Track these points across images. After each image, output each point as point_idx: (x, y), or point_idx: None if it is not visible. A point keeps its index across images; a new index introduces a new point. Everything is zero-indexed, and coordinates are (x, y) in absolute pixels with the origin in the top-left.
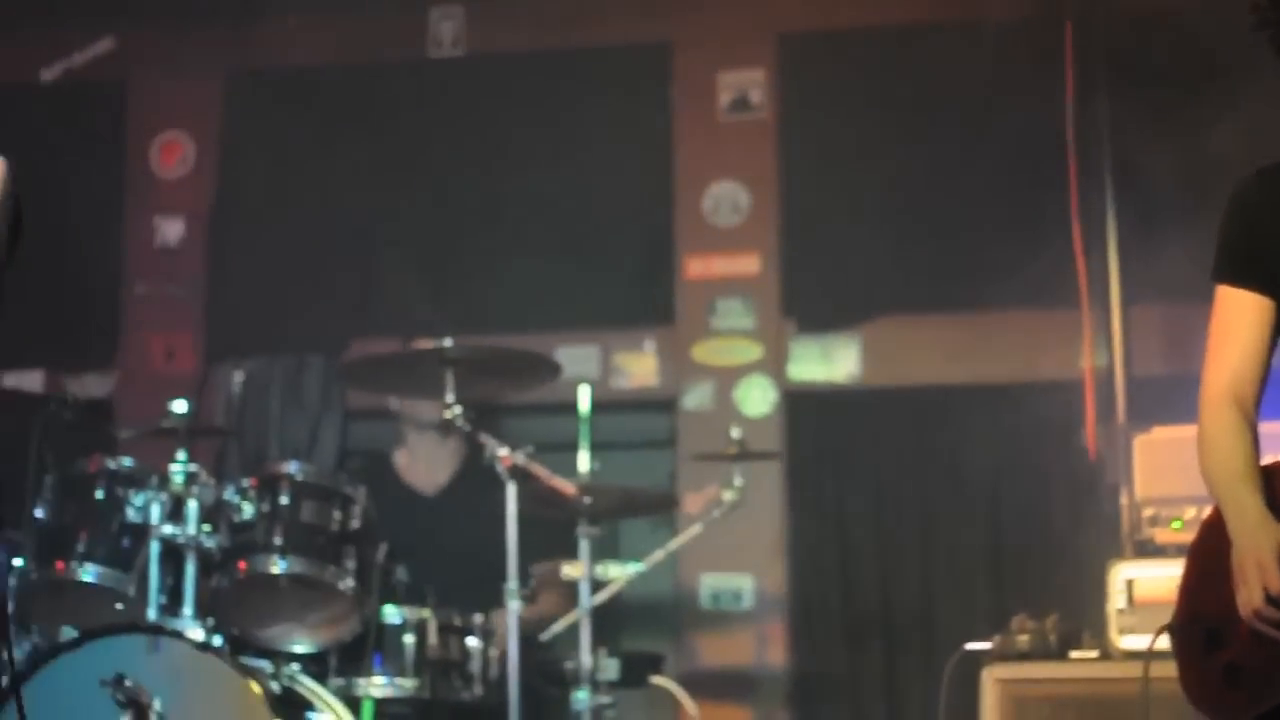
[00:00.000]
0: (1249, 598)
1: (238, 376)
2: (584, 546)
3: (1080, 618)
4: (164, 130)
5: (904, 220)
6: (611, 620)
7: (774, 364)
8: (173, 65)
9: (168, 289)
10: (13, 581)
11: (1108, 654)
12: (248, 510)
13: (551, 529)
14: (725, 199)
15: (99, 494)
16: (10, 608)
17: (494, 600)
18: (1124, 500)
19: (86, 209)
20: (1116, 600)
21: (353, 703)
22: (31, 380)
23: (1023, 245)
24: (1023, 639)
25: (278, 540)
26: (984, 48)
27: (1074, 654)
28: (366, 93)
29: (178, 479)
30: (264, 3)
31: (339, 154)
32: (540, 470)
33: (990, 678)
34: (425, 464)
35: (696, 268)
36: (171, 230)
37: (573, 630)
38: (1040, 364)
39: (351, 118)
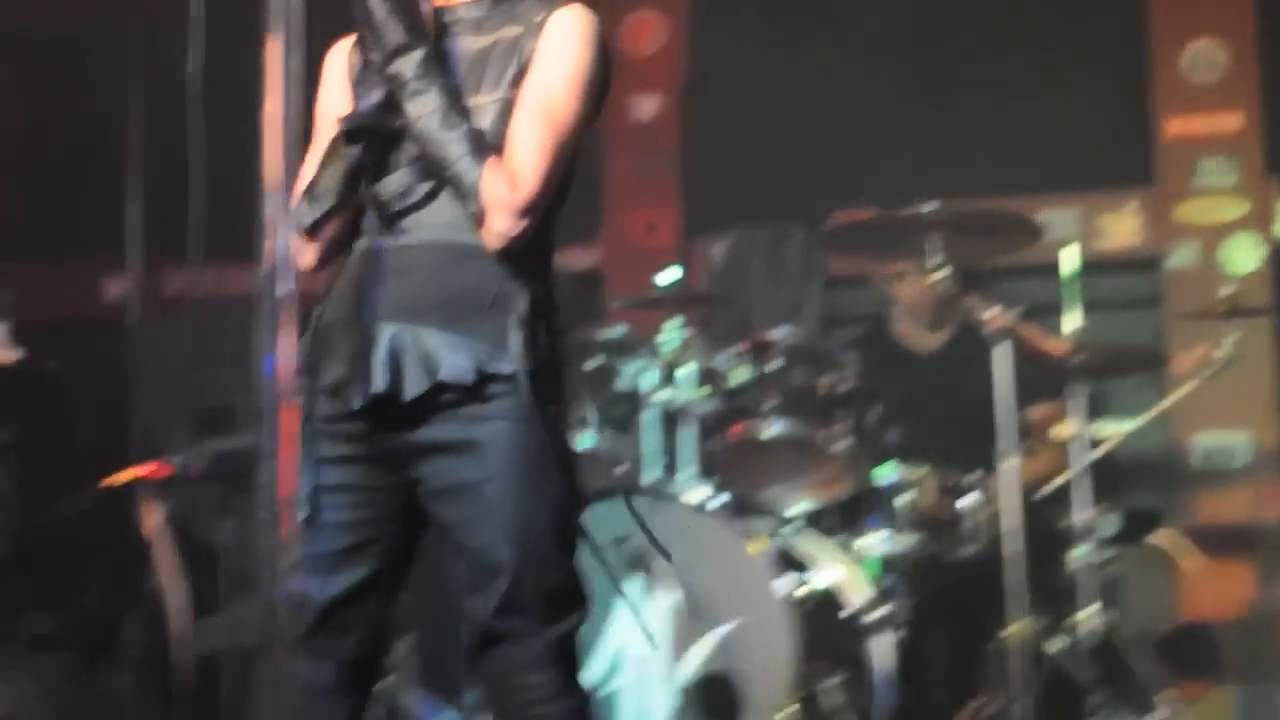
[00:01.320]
0: None
1: (719, 248)
2: (1075, 405)
3: None
4: (635, 9)
5: None
6: (1105, 478)
7: (1259, 221)
8: None
9: (646, 165)
10: None
11: None
12: (739, 376)
13: (1040, 391)
14: (1203, 57)
15: (594, 363)
16: None
17: (987, 461)
18: None
19: None
20: None
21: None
22: None
23: None
24: None
25: (770, 404)
26: None
27: None
28: None
29: (670, 346)
30: None
31: (812, 22)
32: (1029, 330)
33: None
34: (922, 327)
35: (1176, 127)
36: (646, 106)
37: (1066, 489)
38: None
39: None
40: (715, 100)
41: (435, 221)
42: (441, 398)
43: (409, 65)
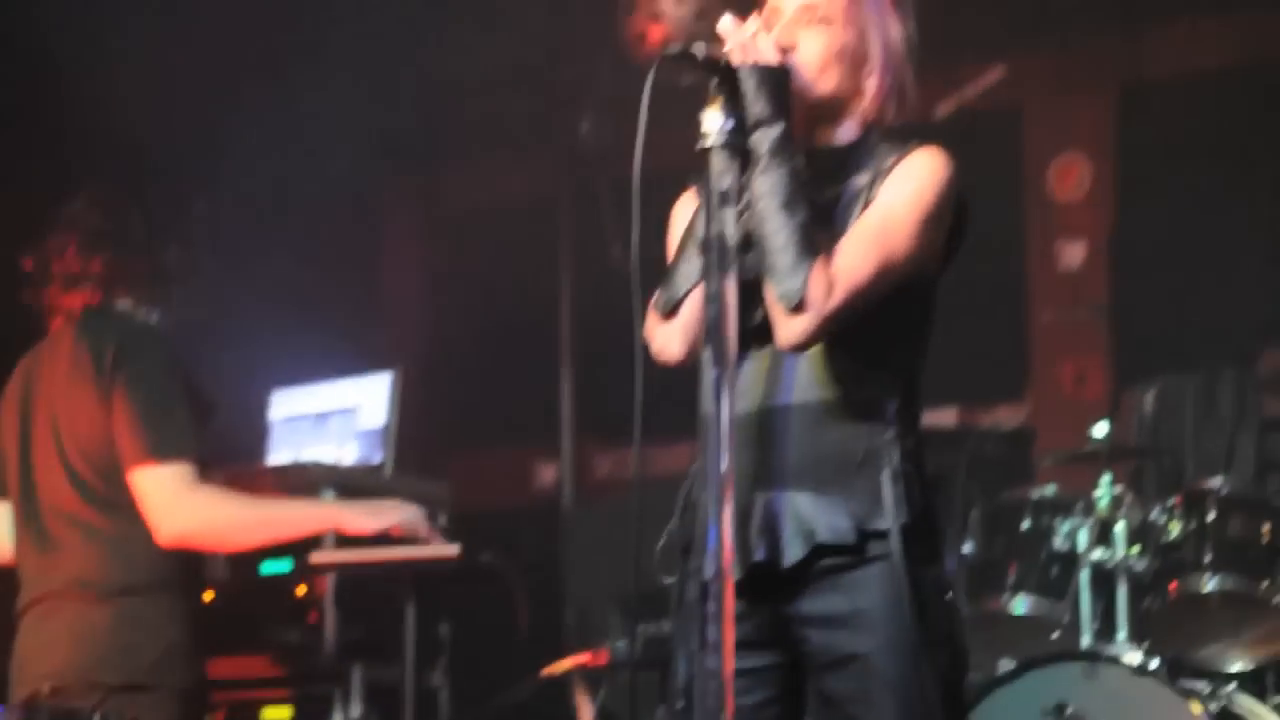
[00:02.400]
0: None
1: (1149, 396)
2: None
3: None
4: (1060, 152)
5: None
6: None
7: None
8: (1065, 85)
9: (1074, 314)
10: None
11: None
12: (1174, 530)
13: None
14: None
15: (1025, 524)
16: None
17: None
18: None
19: (987, 238)
20: None
21: None
22: (945, 417)
23: None
24: None
25: (1207, 558)
26: None
27: None
28: (1263, 93)
29: (1103, 503)
30: (1153, 10)
31: (1240, 163)
32: None
33: None
34: None
35: None
36: (1073, 253)
37: None
38: None
39: (1249, 121)
40: (1143, 243)
41: (792, 382)
42: (821, 563)
43: (766, 139)
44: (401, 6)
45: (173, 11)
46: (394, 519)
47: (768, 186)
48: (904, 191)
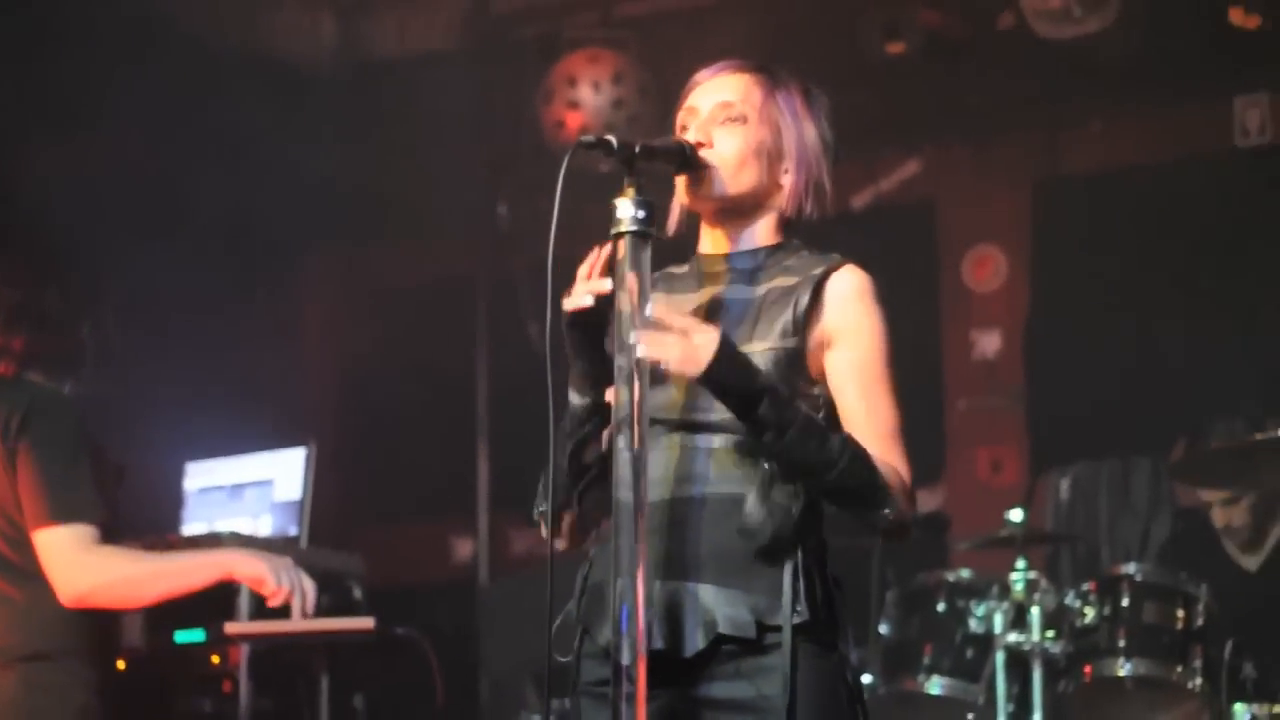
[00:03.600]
0: None
1: (1064, 483)
2: None
3: None
4: (975, 244)
5: None
6: None
7: None
8: (980, 179)
9: (989, 402)
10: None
11: None
12: (1089, 614)
13: None
14: None
15: (940, 607)
16: None
17: None
18: None
19: (903, 327)
20: None
21: None
22: None
23: None
24: None
25: (1121, 642)
26: None
27: None
28: (1174, 189)
29: (1018, 587)
30: (1067, 108)
31: (1153, 254)
32: None
33: None
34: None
35: None
36: (989, 343)
37: None
38: None
39: (1161, 216)
40: (1058, 333)
41: (702, 475)
42: (722, 651)
43: (771, 410)
44: (322, 88)
45: (86, 93)
46: (287, 578)
47: (797, 446)
48: (870, 336)
